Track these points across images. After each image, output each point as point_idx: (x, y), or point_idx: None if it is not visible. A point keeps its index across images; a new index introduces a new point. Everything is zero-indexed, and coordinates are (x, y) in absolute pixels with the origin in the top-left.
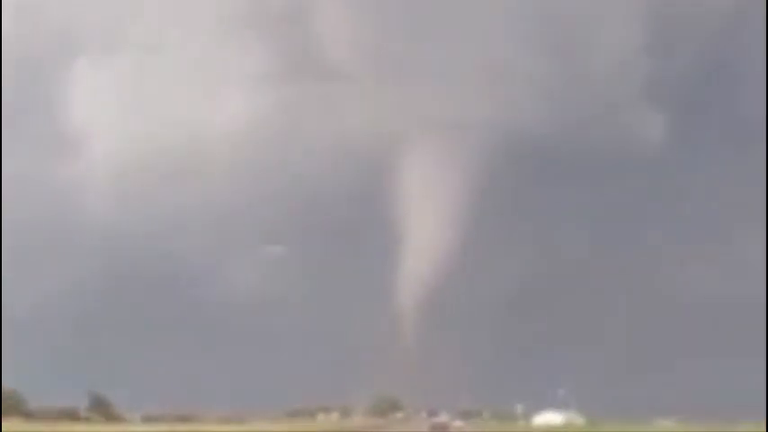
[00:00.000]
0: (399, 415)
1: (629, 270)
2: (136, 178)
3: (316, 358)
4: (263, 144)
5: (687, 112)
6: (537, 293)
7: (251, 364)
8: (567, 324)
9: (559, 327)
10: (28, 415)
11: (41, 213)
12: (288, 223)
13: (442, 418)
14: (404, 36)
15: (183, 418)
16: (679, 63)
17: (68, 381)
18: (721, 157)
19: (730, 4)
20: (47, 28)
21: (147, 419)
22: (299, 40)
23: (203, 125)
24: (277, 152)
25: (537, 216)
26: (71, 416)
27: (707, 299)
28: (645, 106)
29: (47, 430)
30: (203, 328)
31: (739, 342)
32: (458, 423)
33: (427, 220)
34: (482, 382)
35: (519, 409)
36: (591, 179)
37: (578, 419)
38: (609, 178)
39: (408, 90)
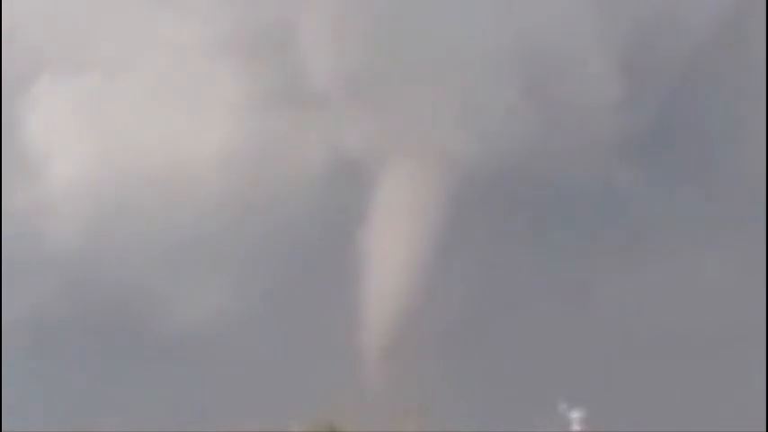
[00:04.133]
0: None
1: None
2: (99, 204)
3: (253, 384)
4: (235, 171)
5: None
6: (507, 319)
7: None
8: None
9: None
10: None
11: None
12: (252, 250)
13: None
14: (388, 66)
15: None
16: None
17: None
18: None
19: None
20: (12, 43)
21: None
22: (281, 67)
23: (175, 149)
24: (250, 179)
25: (504, 244)
26: None
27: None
28: (618, 155)
29: None
30: (149, 359)
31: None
32: None
33: (396, 247)
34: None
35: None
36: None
37: None
38: (579, 217)
39: (389, 119)
